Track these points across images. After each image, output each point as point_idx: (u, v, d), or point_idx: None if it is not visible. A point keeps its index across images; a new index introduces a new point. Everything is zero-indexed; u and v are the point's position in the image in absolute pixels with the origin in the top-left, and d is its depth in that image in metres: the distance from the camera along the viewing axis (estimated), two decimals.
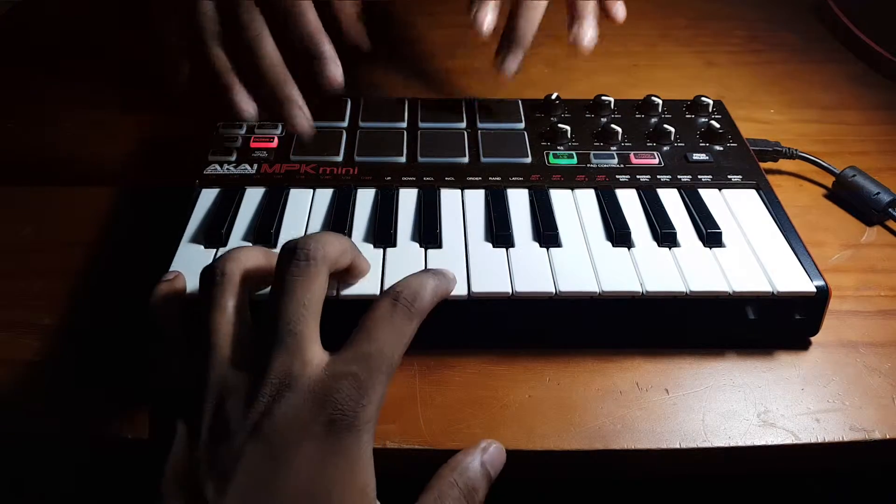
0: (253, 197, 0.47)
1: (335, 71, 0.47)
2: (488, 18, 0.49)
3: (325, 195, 0.47)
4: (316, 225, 0.45)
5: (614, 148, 0.51)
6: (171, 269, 0.41)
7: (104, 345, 0.42)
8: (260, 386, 0.32)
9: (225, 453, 0.31)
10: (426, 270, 0.38)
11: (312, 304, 0.33)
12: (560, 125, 0.52)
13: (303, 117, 0.47)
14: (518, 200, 0.47)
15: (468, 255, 0.43)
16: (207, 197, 0.47)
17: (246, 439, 0.31)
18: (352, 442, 0.31)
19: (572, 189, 0.48)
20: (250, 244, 0.43)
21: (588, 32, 0.51)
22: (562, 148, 0.51)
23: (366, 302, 0.36)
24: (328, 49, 0.47)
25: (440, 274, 0.38)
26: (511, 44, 0.51)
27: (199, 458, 0.31)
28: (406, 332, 0.34)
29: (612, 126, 0.52)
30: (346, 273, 0.38)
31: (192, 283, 0.40)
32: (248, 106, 0.47)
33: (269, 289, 0.37)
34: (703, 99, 0.55)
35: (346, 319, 0.34)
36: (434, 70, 0.69)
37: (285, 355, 0.32)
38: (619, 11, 0.53)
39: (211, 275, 0.35)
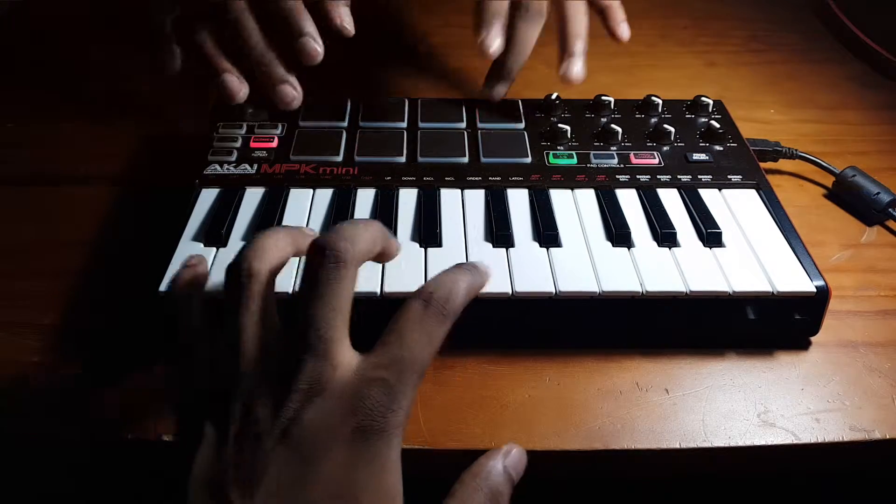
0: (253, 197, 0.47)
1: (316, 47, 0.48)
2: (497, 43, 0.52)
3: (325, 195, 0.47)
4: (316, 225, 0.45)
5: (614, 148, 0.51)
6: (171, 270, 0.41)
7: (104, 345, 0.42)
8: (289, 391, 0.31)
9: (253, 457, 0.30)
10: (459, 266, 0.36)
11: (342, 306, 0.33)
12: (560, 125, 0.52)
13: (293, 93, 0.49)
14: (518, 200, 0.47)
15: (468, 255, 0.43)
16: (207, 197, 0.47)
17: (275, 444, 0.30)
18: (381, 447, 0.31)
19: (572, 189, 0.48)
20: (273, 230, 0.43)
21: (577, 68, 0.53)
22: (562, 148, 0.51)
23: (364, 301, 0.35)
24: (310, 26, 0.48)
25: (473, 269, 0.36)
26: (501, 77, 0.54)
27: (226, 461, 0.31)
28: (437, 336, 0.33)
29: (612, 126, 0.52)
30: (376, 259, 0.37)
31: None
32: (238, 86, 0.49)
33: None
34: (703, 99, 0.55)
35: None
36: (434, 70, 0.69)
37: (315, 360, 0.32)
38: (625, 32, 0.55)
39: (237, 275, 0.34)
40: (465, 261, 0.42)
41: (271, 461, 0.30)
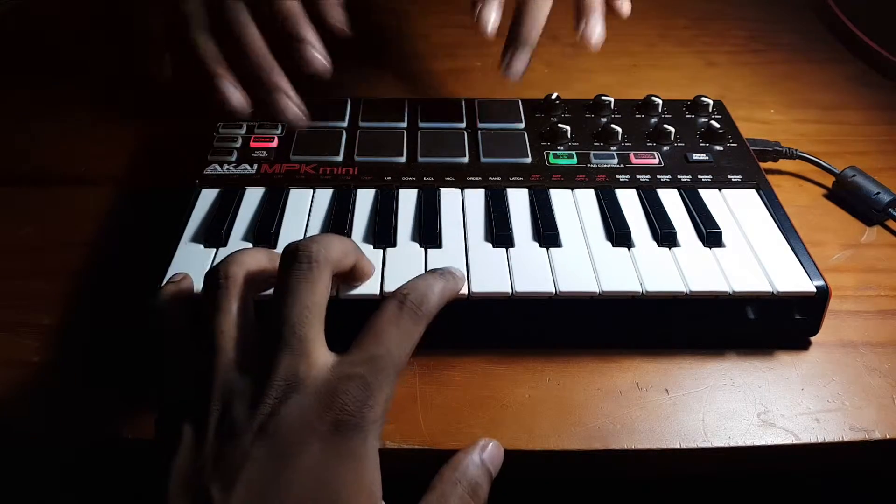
0: (253, 197, 0.47)
1: (316, 54, 0.47)
2: (493, 18, 0.49)
3: (325, 195, 0.47)
4: (316, 225, 0.45)
5: (614, 148, 0.51)
6: (171, 269, 0.41)
7: (104, 345, 0.42)
8: (266, 388, 0.32)
9: (231, 454, 0.31)
10: (433, 271, 0.38)
11: (316, 306, 0.34)
12: (560, 125, 0.52)
13: (292, 106, 0.47)
14: (518, 200, 0.47)
15: (468, 255, 0.43)
16: (207, 197, 0.47)
17: (252, 440, 0.31)
18: (359, 442, 0.31)
19: (572, 189, 0.48)
20: (251, 245, 0.43)
21: (596, 30, 0.50)
22: (562, 148, 0.51)
23: (366, 302, 0.35)
24: (309, 33, 0.47)
25: (448, 274, 0.38)
26: (517, 44, 0.49)
27: (205, 459, 0.31)
28: (413, 335, 0.34)
29: (612, 126, 0.52)
30: (350, 275, 0.38)
31: (195, 284, 0.40)
32: (235, 94, 0.47)
33: (272, 290, 0.37)
34: (703, 99, 0.55)
35: (347, 320, 0.34)
36: (434, 70, 0.69)
37: (290, 357, 0.32)
38: (624, 7, 0.53)
39: (214, 278, 0.35)
40: (465, 262, 0.42)
41: (250, 456, 0.30)
